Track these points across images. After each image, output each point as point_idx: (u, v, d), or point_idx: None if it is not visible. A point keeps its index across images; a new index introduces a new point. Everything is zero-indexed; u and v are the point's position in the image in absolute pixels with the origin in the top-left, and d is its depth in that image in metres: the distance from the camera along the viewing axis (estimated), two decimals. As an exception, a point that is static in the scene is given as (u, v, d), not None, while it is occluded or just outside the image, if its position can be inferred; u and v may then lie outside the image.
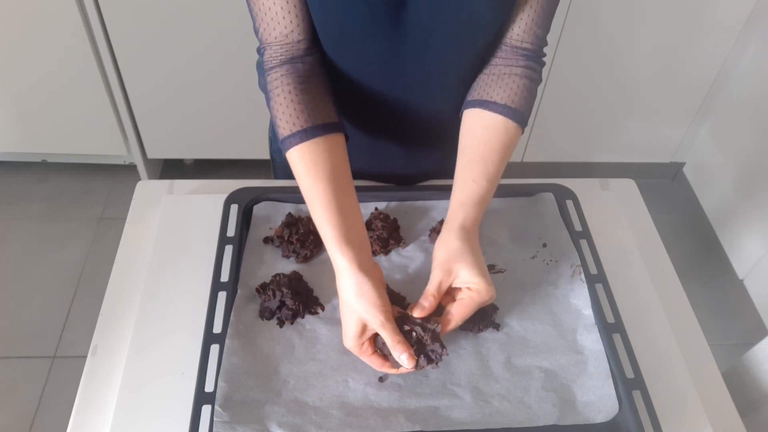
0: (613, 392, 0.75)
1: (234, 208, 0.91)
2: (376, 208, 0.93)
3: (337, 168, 0.76)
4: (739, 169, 2.00)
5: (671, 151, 2.23)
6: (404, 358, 0.69)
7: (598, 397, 0.75)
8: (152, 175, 2.21)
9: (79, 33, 1.77)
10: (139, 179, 2.15)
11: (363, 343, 0.73)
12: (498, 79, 0.80)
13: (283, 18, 0.76)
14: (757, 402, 0.97)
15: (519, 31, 0.79)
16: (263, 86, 0.80)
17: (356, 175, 1.00)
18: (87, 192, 2.19)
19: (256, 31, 0.80)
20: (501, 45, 0.81)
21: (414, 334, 0.72)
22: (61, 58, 1.84)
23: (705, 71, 1.98)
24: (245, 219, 0.91)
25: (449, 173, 1.06)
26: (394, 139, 0.96)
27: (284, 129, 0.77)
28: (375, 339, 0.73)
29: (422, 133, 0.96)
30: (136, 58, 1.84)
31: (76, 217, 2.11)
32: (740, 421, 0.78)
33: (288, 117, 0.76)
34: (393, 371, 0.74)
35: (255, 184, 0.96)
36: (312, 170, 0.75)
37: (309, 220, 0.90)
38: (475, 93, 0.82)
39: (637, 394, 0.74)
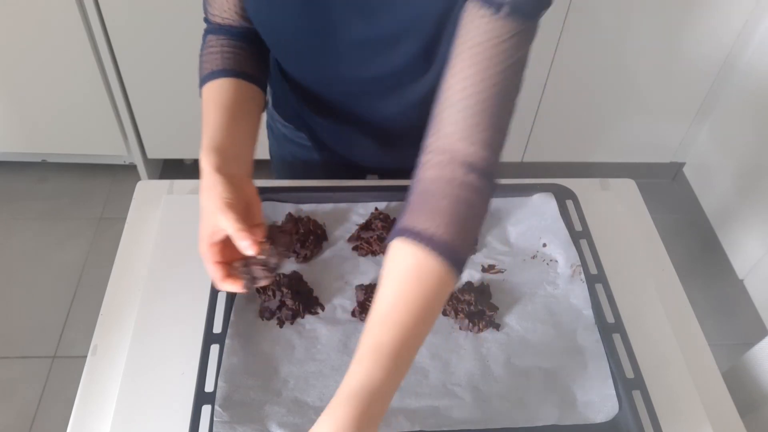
0: (613, 392, 0.75)
1: (234, 208, 0.91)
2: (376, 208, 0.93)
3: (238, 101, 0.76)
4: (739, 169, 2.00)
5: (671, 151, 2.23)
6: (246, 245, 0.65)
7: (598, 397, 0.75)
8: (152, 175, 2.21)
9: (79, 33, 1.77)
10: (139, 179, 2.15)
11: (212, 246, 0.68)
12: (428, 199, 0.63)
13: (227, 7, 0.79)
14: (757, 402, 0.97)
15: (453, 131, 0.62)
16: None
17: (342, 162, 1.01)
18: (87, 192, 2.19)
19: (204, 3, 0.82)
20: (435, 145, 0.64)
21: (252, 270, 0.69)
22: (61, 59, 1.83)
23: (705, 71, 1.98)
24: (245, 219, 0.91)
25: None
26: (359, 133, 0.95)
27: (203, 72, 0.79)
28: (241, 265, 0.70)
29: (381, 132, 0.94)
30: (136, 58, 1.84)
31: (76, 217, 2.11)
32: (740, 421, 0.78)
33: (210, 63, 0.79)
34: (229, 288, 0.68)
35: (255, 184, 0.96)
36: (211, 98, 0.76)
37: (309, 220, 0.90)
38: (402, 218, 0.63)
39: (637, 394, 0.74)
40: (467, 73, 0.62)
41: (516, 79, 0.64)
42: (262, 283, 0.70)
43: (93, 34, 1.78)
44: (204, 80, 0.78)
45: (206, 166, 0.69)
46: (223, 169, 0.69)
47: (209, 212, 0.67)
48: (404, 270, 0.61)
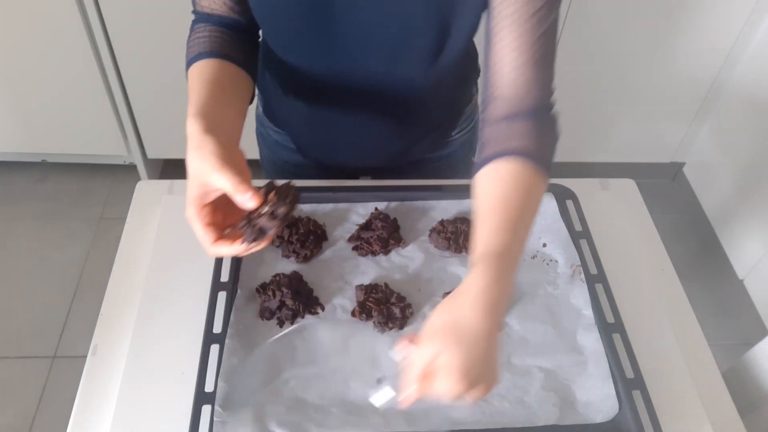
0: (613, 392, 0.75)
1: (234, 208, 0.91)
2: (376, 208, 0.93)
3: (226, 77, 0.74)
4: (739, 169, 2.00)
5: (671, 151, 2.23)
6: (248, 197, 0.63)
7: (598, 397, 0.74)
8: (152, 175, 2.21)
9: (79, 33, 1.77)
10: (139, 179, 2.15)
11: (203, 208, 0.66)
12: (507, 129, 0.70)
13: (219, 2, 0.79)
14: (757, 402, 0.97)
15: (514, 86, 0.70)
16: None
17: (327, 165, 1.01)
18: (87, 192, 2.19)
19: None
20: (497, 95, 0.71)
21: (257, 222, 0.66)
22: (61, 58, 1.83)
23: (705, 71, 1.98)
24: (245, 219, 0.91)
25: (418, 163, 1.02)
26: (354, 126, 0.93)
27: (190, 55, 0.77)
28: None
29: (381, 118, 0.92)
30: (136, 58, 1.84)
31: (76, 217, 2.11)
32: (740, 421, 0.78)
33: (197, 47, 0.77)
34: (224, 250, 0.67)
35: (255, 184, 0.96)
36: (197, 75, 0.74)
37: (309, 220, 0.90)
38: (482, 153, 0.70)
39: (637, 394, 0.74)
40: (514, 45, 0.69)
41: (553, 37, 0.72)
42: (268, 235, 0.65)
43: (93, 34, 1.78)
44: (190, 62, 0.76)
45: (195, 128, 0.65)
46: (212, 132, 0.66)
47: (200, 172, 0.64)
48: (504, 173, 0.66)
